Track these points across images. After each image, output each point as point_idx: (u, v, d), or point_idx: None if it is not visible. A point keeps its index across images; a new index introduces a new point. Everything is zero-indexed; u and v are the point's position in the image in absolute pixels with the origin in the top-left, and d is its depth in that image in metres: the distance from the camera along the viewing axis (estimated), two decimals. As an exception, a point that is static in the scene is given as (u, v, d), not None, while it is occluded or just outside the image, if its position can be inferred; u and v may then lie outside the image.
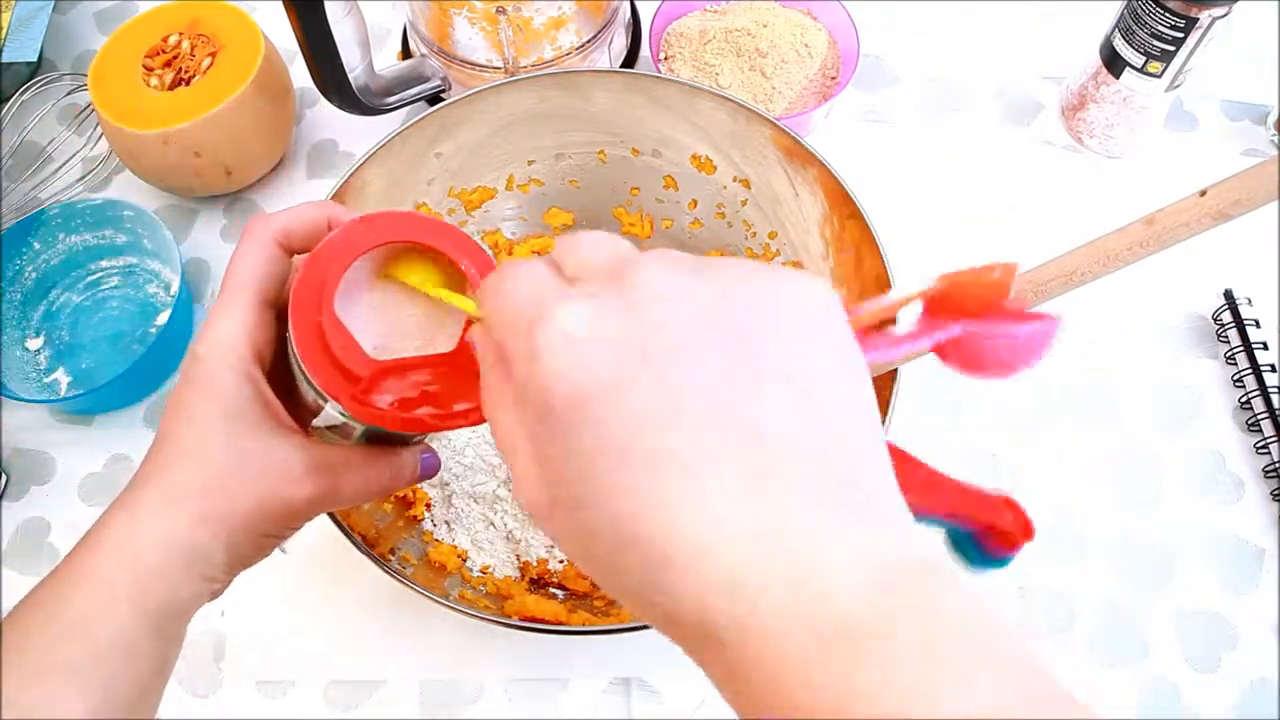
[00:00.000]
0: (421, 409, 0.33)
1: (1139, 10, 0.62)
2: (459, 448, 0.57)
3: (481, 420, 0.32)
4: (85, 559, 0.32)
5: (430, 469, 0.39)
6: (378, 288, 0.35)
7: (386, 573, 0.46)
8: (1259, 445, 0.60)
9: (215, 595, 0.35)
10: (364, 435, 0.36)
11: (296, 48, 0.60)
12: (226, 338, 0.33)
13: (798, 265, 0.60)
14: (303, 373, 0.33)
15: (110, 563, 0.32)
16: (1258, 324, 0.62)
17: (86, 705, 0.30)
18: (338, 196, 0.53)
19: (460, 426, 0.34)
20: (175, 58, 0.65)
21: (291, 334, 0.33)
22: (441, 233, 0.35)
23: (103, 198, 0.67)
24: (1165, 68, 0.63)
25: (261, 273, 0.34)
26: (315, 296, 0.32)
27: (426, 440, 0.39)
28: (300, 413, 0.36)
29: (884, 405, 0.49)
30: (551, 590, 0.55)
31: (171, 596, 0.32)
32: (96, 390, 0.59)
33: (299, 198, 0.70)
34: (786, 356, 0.22)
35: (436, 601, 0.46)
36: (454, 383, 0.33)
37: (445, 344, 0.35)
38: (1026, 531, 0.30)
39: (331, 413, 0.34)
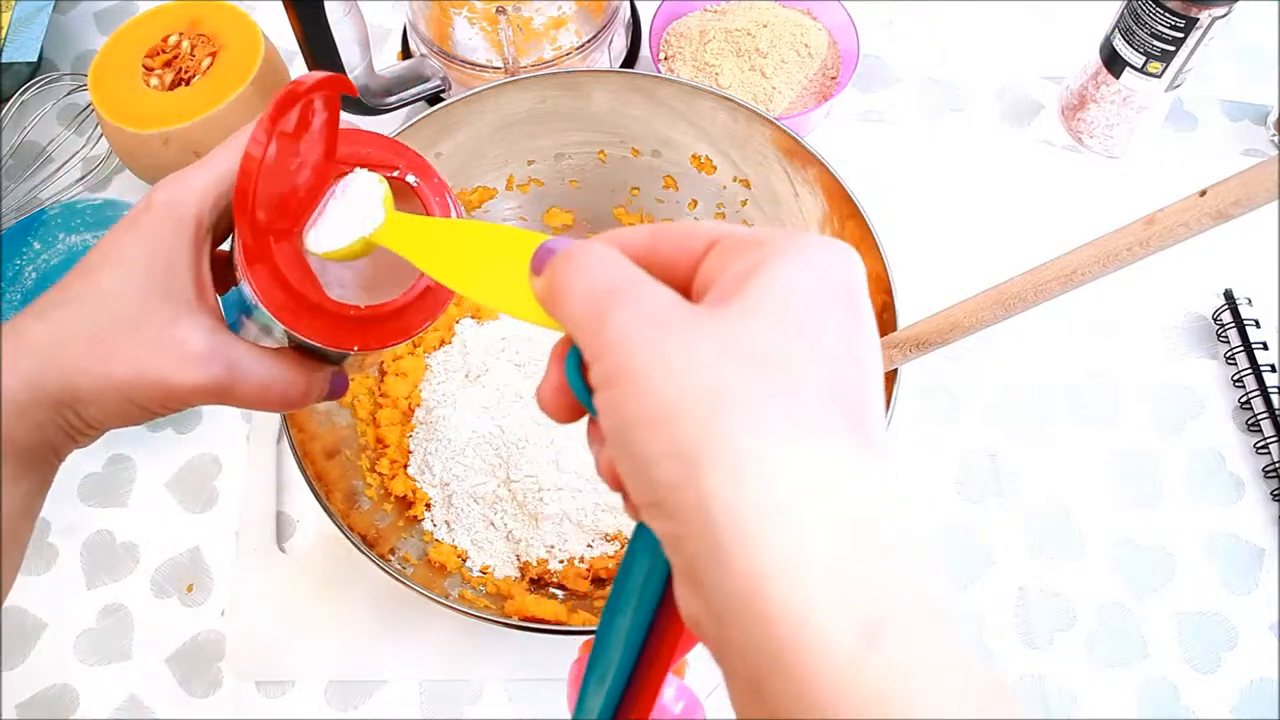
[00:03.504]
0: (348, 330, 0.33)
1: (1139, 10, 0.62)
2: (460, 448, 0.57)
3: (404, 338, 0.33)
4: None
5: (339, 389, 0.37)
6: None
7: (386, 573, 0.46)
8: (1259, 445, 0.60)
9: (83, 444, 0.34)
10: (289, 341, 0.34)
11: (296, 48, 0.60)
12: (189, 192, 0.32)
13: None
14: (241, 267, 0.32)
15: None
16: (1258, 324, 0.62)
17: None
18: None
19: (391, 345, 0.34)
20: (175, 58, 0.65)
21: (234, 223, 0.32)
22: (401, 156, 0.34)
23: (103, 198, 0.67)
24: (1165, 68, 0.63)
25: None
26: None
27: (343, 364, 0.38)
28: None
29: (884, 406, 0.49)
30: (551, 590, 0.55)
31: (37, 438, 0.32)
32: (96, 390, 0.59)
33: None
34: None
35: (436, 601, 0.46)
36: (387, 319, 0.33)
37: (390, 293, 0.34)
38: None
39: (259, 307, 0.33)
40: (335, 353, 0.34)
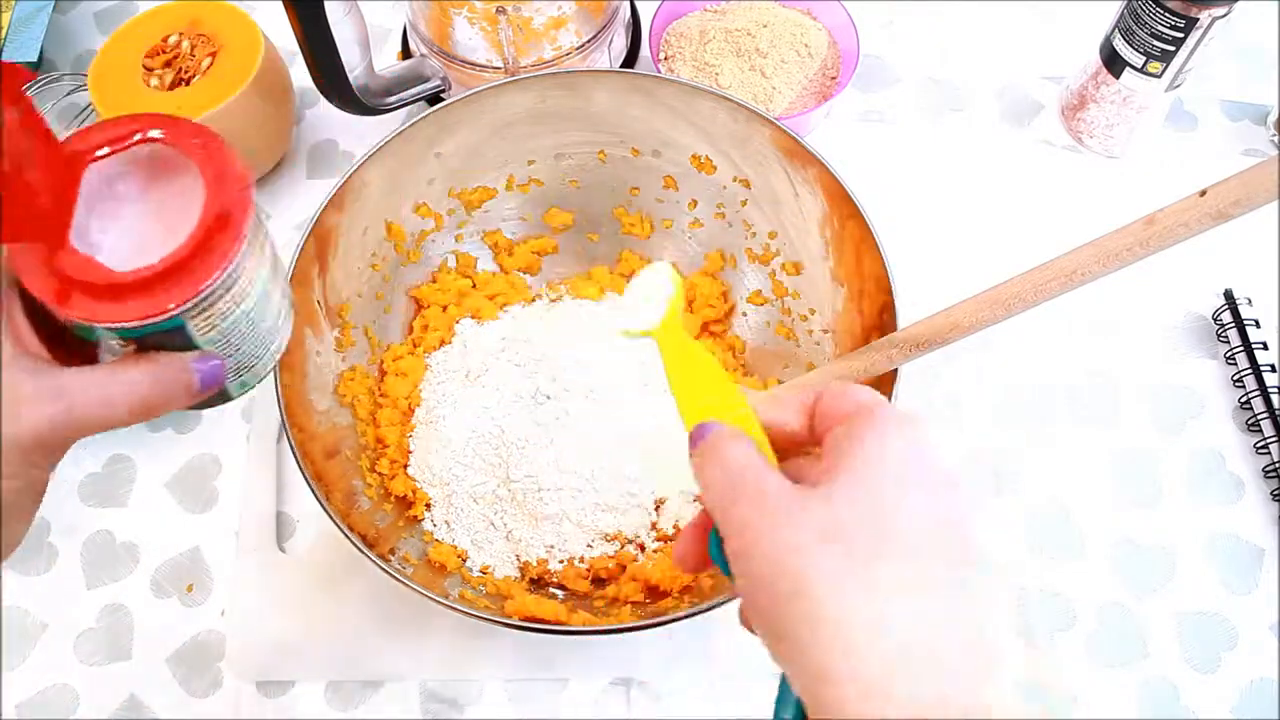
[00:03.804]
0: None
1: (1139, 10, 0.62)
2: (459, 448, 0.57)
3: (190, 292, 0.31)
4: None
5: (211, 379, 0.35)
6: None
7: (386, 573, 0.46)
8: (1259, 445, 0.60)
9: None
10: (124, 344, 0.33)
11: (296, 48, 0.60)
12: None
13: (798, 266, 0.60)
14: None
15: None
16: (1258, 324, 0.62)
17: None
18: (337, 197, 0.54)
19: (207, 284, 0.32)
20: (175, 58, 0.65)
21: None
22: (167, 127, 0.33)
23: (103, 198, 0.67)
24: (1165, 68, 0.63)
25: None
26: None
27: (206, 347, 0.35)
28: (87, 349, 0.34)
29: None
30: (551, 590, 0.55)
31: None
32: (96, 390, 0.59)
33: (300, 197, 0.70)
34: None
35: (436, 601, 0.46)
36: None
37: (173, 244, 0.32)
38: None
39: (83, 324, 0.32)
40: (154, 328, 0.32)
